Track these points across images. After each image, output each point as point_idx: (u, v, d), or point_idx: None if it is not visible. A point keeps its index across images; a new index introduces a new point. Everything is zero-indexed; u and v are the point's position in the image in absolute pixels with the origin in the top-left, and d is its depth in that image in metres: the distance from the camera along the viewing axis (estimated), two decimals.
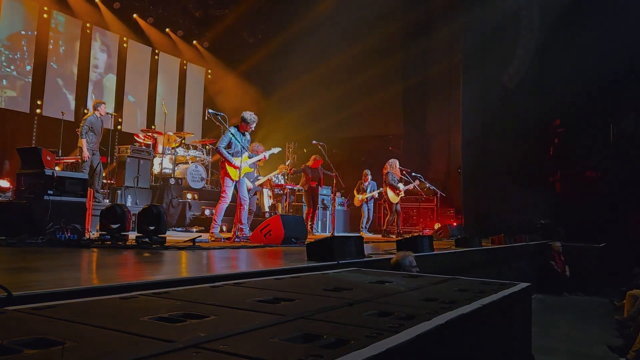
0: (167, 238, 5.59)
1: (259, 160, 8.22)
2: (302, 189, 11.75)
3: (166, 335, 1.25)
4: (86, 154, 9.25)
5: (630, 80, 13.88)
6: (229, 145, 7.26)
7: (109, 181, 11.04)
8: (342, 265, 3.93)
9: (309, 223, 11.05)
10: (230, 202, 7.41)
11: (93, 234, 6.23)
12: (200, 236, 6.95)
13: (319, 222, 12.67)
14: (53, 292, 2.11)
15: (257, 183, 10.00)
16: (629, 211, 13.66)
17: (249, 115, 7.46)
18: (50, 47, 13.31)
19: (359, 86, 15.43)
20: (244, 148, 7.31)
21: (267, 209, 12.28)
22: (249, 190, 8.90)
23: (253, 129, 7.59)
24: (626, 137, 14.48)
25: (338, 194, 12.81)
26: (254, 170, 9.11)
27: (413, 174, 11.84)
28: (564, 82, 13.93)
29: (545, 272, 11.78)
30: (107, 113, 9.93)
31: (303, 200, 11.94)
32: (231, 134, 7.24)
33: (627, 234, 13.15)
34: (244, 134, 7.45)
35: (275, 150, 8.31)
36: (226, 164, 7.23)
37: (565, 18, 14.01)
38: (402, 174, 11.63)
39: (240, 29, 16.83)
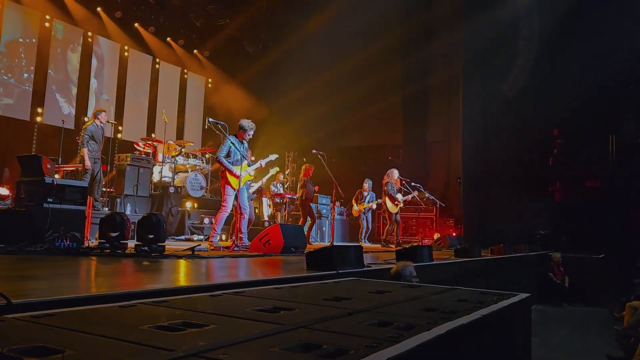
0: (166, 247, 5.58)
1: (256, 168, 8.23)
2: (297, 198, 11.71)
3: (166, 344, 1.24)
4: (88, 163, 9.23)
5: (630, 89, 13.91)
6: (228, 154, 7.26)
7: (108, 189, 11.04)
8: (341, 274, 3.92)
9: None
10: (230, 211, 7.40)
11: (92, 242, 6.23)
12: (200, 245, 6.94)
13: (318, 232, 12.65)
14: (52, 300, 2.10)
15: (251, 190, 9.94)
16: (630, 211, 13.58)
17: (246, 123, 7.47)
18: (51, 55, 13.36)
19: (359, 95, 15.48)
20: (243, 157, 7.31)
21: (266, 218, 12.27)
22: None
23: (251, 136, 7.58)
24: (626, 145, 14.50)
25: (337, 203, 12.80)
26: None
27: (412, 183, 11.83)
28: (564, 92, 13.95)
29: (544, 282, 11.76)
30: (107, 121, 9.93)
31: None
32: (231, 142, 7.25)
33: (628, 235, 13.09)
34: (242, 142, 7.45)
35: (273, 157, 8.30)
36: (227, 173, 7.22)
37: (564, 28, 14.07)
38: (401, 184, 11.62)
39: (240, 38, 16.92)
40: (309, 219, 11.26)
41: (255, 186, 10.68)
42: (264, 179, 11.15)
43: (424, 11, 15.64)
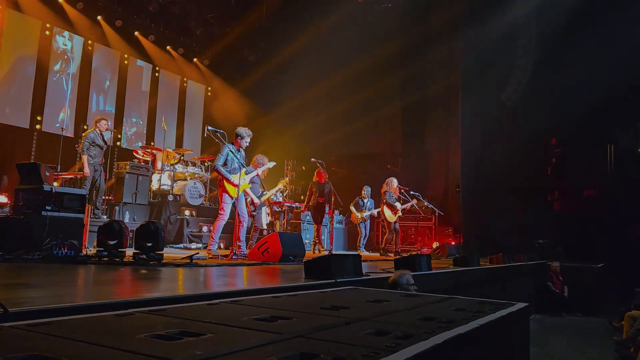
0: (164, 255, 5.57)
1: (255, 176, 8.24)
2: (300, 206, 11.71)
3: (162, 353, 1.24)
4: (87, 170, 9.24)
5: (628, 99, 13.96)
6: (225, 163, 7.26)
7: (107, 197, 11.03)
8: (339, 283, 3.92)
9: (317, 241, 11.02)
10: (228, 219, 7.39)
11: (90, 250, 6.21)
12: (198, 253, 6.93)
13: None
14: (49, 308, 2.10)
15: (262, 199, 9.95)
16: (632, 224, 13.58)
17: (243, 130, 7.48)
18: (51, 63, 13.38)
19: (357, 104, 15.52)
20: (242, 165, 7.31)
21: (265, 227, 12.24)
22: (255, 206, 8.88)
23: (247, 143, 7.58)
24: (624, 155, 14.54)
25: (336, 211, 12.79)
26: (257, 184, 9.03)
27: (411, 192, 11.82)
28: (562, 101, 14.02)
29: (543, 292, 11.74)
30: (107, 129, 9.94)
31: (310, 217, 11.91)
32: (230, 151, 7.25)
33: (630, 248, 13.08)
34: (239, 150, 7.45)
35: (270, 164, 8.32)
36: (224, 181, 7.22)
37: (562, 37, 14.14)
38: (400, 192, 11.61)
39: (240, 46, 16.96)
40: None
41: (267, 194, 10.59)
42: (274, 190, 11.05)
43: (423, 21, 15.70)
